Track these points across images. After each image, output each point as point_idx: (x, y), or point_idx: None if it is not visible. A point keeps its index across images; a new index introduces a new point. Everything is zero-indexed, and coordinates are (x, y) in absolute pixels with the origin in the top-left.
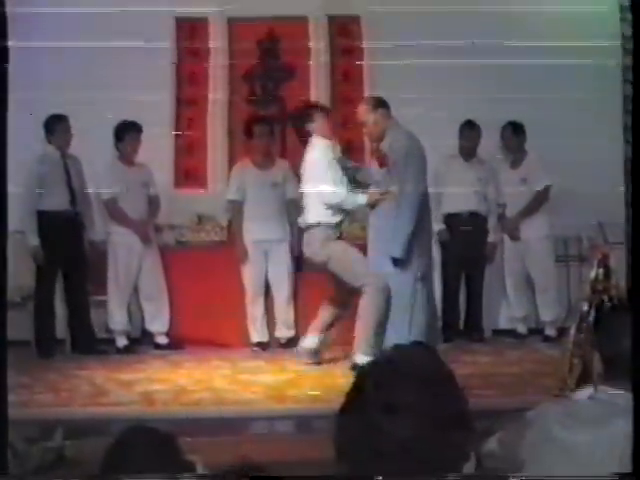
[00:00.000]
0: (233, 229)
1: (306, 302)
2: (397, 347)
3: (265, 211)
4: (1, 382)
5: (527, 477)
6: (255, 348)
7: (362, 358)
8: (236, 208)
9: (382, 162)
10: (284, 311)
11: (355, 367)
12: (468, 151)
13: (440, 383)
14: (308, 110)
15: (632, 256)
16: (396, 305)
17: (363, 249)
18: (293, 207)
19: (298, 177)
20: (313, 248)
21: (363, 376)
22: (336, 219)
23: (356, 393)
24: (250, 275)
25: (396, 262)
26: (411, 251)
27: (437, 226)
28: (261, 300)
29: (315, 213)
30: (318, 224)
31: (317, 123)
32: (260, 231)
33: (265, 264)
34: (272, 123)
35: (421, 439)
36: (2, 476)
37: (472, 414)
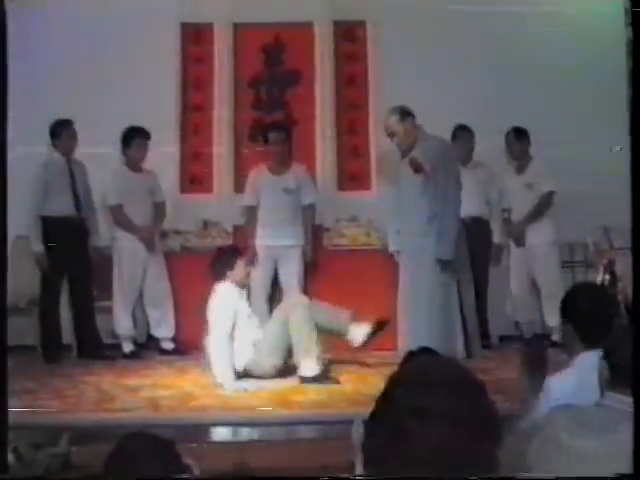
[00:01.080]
0: (244, 234)
1: None
2: (426, 355)
3: (277, 216)
4: (1, 382)
5: (528, 477)
6: None
7: (311, 372)
8: (251, 213)
9: (417, 168)
10: None
11: (304, 379)
12: (463, 155)
13: (470, 391)
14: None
15: (633, 260)
16: (441, 312)
17: (367, 254)
18: (309, 213)
19: (314, 182)
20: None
21: (391, 383)
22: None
23: (384, 400)
24: (257, 279)
25: (443, 265)
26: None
27: None
28: (266, 304)
29: None
30: None
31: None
32: (272, 236)
33: (273, 270)
34: (288, 129)
35: (451, 446)
36: (2, 476)
37: (502, 423)
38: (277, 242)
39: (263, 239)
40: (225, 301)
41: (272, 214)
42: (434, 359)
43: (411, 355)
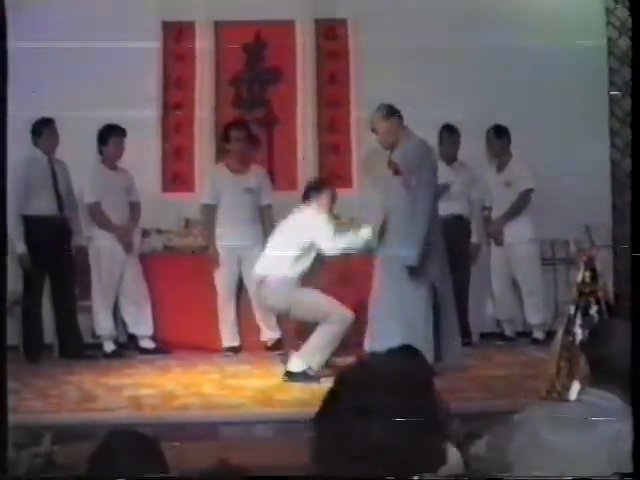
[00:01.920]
0: (207, 233)
1: None
2: (373, 353)
3: (238, 216)
4: (0, 383)
5: (532, 477)
6: (227, 353)
7: (298, 367)
8: (210, 212)
9: (396, 170)
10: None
11: (289, 375)
12: (449, 155)
13: (414, 388)
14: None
15: (632, 263)
16: (409, 314)
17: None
18: (267, 213)
19: (272, 183)
20: (275, 298)
21: (340, 380)
22: (298, 270)
23: (332, 397)
24: (222, 279)
25: (411, 270)
26: (426, 259)
27: None
28: (232, 304)
29: (272, 264)
30: (275, 275)
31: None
32: (233, 236)
33: (237, 269)
34: (249, 128)
35: (392, 443)
36: (2, 476)
37: (446, 419)
38: (239, 242)
39: (224, 239)
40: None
41: (233, 213)
42: (380, 356)
43: (391, 353)
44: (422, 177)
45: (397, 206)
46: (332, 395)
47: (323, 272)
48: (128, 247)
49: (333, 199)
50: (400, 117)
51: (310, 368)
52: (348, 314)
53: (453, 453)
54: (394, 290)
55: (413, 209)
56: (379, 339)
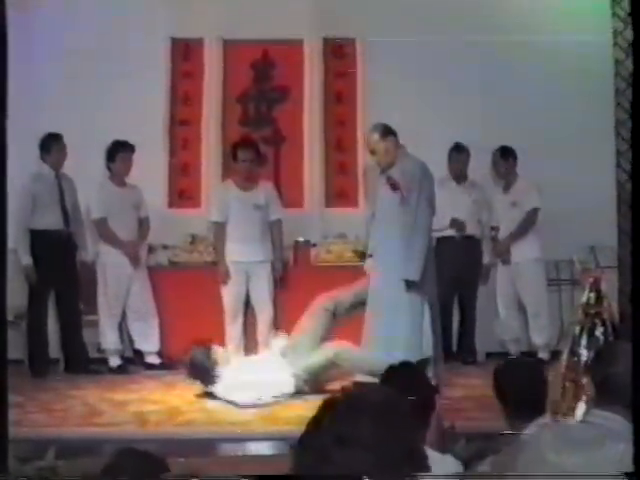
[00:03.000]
0: (216, 249)
1: (289, 323)
2: (357, 383)
3: (247, 232)
4: (1, 382)
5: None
6: None
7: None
8: (219, 229)
9: (395, 187)
10: (266, 331)
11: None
12: (458, 174)
13: (392, 419)
14: None
15: (633, 278)
16: (405, 327)
17: (354, 270)
18: (276, 228)
19: (281, 198)
20: None
21: (322, 409)
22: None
23: (313, 425)
24: (229, 296)
25: (409, 285)
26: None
27: None
28: (239, 320)
29: None
30: None
31: None
32: (242, 252)
33: (245, 285)
34: (257, 146)
35: (372, 475)
36: (2, 476)
37: (422, 449)
38: (248, 258)
39: (233, 255)
40: None
41: (242, 230)
42: (368, 387)
43: (391, 369)
44: (422, 196)
45: (392, 221)
46: (313, 422)
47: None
48: (135, 261)
49: None
50: (395, 136)
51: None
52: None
53: (451, 462)
54: (391, 305)
55: (413, 226)
56: (378, 355)
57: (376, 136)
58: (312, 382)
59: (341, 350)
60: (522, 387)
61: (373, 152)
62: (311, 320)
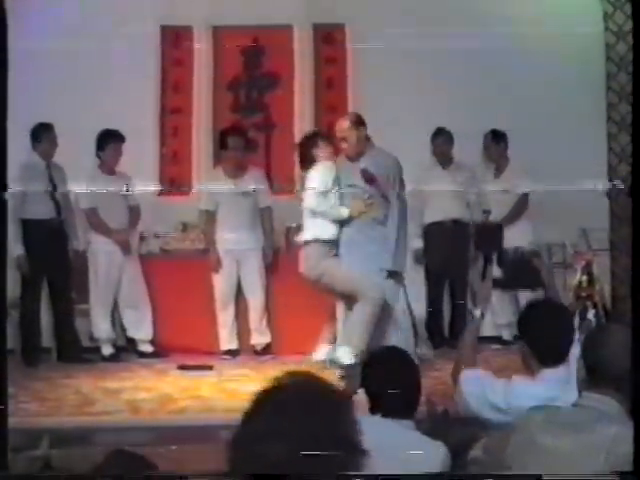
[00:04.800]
0: (207, 238)
1: (280, 309)
2: (288, 373)
3: (237, 220)
4: (1, 381)
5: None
6: (224, 356)
7: (344, 359)
8: (209, 217)
9: (370, 179)
10: (258, 318)
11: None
12: (443, 158)
13: (316, 411)
14: (313, 138)
15: (633, 267)
16: (387, 314)
17: None
18: (266, 215)
19: (270, 188)
20: (309, 264)
21: (251, 403)
22: (331, 235)
23: (244, 420)
24: (221, 283)
25: (390, 274)
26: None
27: (416, 242)
28: (231, 308)
29: (312, 230)
30: (315, 241)
31: (320, 149)
32: (232, 240)
33: (236, 272)
34: (246, 134)
35: (300, 465)
36: (2, 476)
37: (353, 438)
38: (238, 246)
39: (224, 243)
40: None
41: (232, 218)
42: (292, 378)
43: (374, 356)
44: (400, 188)
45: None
46: (244, 417)
47: None
48: (126, 250)
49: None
50: (365, 127)
51: (350, 354)
52: (381, 293)
53: (440, 449)
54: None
55: (397, 218)
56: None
57: (348, 124)
58: None
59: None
60: (549, 327)
61: (344, 140)
62: None
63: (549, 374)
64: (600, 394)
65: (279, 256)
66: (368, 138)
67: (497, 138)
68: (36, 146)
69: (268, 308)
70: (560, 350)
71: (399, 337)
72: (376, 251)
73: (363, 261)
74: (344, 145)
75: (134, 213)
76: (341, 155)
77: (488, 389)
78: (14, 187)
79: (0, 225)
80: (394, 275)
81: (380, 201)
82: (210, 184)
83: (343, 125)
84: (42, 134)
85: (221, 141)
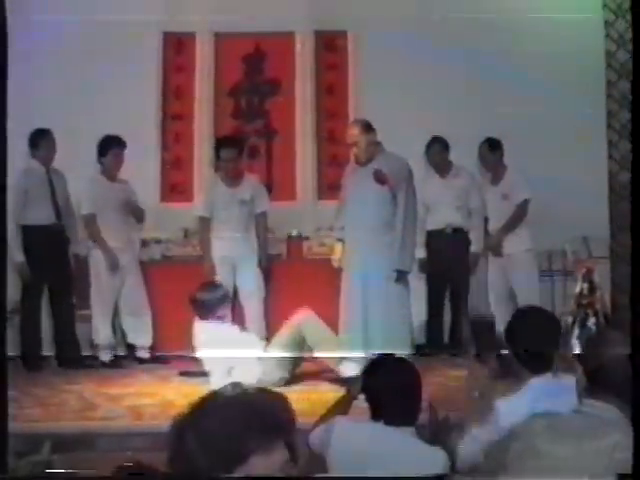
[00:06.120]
0: (202, 245)
1: (280, 317)
2: (381, 362)
3: (233, 228)
4: (1, 381)
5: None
6: None
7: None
8: (204, 224)
9: (382, 180)
10: (255, 325)
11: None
12: (441, 167)
13: (243, 416)
14: None
15: (632, 272)
16: (396, 314)
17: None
18: (261, 220)
19: (270, 194)
20: None
21: (188, 408)
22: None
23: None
24: None
25: (400, 275)
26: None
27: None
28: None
29: None
30: None
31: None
32: (228, 247)
33: (232, 279)
34: (242, 143)
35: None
36: (2, 476)
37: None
38: (233, 253)
39: (219, 250)
40: None
41: (228, 225)
42: (234, 389)
43: (373, 363)
44: (410, 190)
45: (377, 214)
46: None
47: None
48: (115, 265)
49: None
50: (375, 133)
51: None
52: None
53: (440, 456)
54: (379, 297)
55: (404, 219)
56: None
57: (358, 129)
58: (290, 365)
59: (306, 318)
60: (535, 335)
61: (354, 145)
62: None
63: (536, 382)
64: (601, 401)
65: (280, 263)
66: (378, 143)
67: (492, 146)
68: (35, 152)
69: (267, 316)
70: (546, 357)
71: (404, 340)
72: (384, 251)
73: (370, 261)
74: (355, 150)
75: (138, 216)
76: (351, 161)
77: (483, 437)
78: (14, 193)
79: (0, 229)
80: (402, 275)
81: (391, 202)
82: (207, 191)
83: (353, 131)
84: (41, 140)
85: (215, 151)
